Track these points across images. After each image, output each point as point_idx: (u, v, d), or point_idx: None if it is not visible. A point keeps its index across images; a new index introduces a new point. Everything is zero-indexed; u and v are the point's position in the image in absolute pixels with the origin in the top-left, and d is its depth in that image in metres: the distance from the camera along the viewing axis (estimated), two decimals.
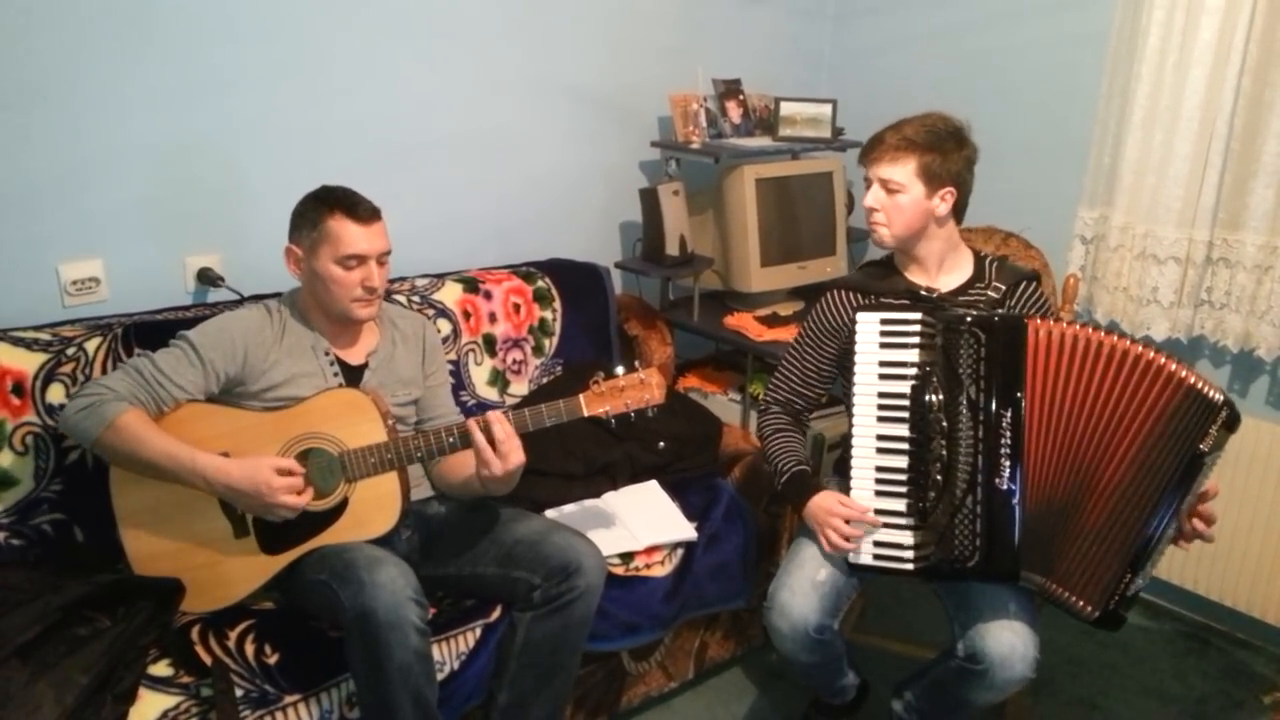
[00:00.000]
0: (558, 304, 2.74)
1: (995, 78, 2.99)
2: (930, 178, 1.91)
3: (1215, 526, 1.80)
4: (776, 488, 2.07)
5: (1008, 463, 1.78)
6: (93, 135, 2.10)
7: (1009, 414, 1.78)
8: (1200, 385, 1.71)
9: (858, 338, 1.90)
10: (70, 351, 1.98)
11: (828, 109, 3.04)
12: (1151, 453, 1.73)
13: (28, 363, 1.93)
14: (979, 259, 2.05)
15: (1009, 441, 1.78)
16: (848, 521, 1.88)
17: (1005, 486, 1.77)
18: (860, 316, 1.91)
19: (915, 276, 2.04)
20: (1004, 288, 1.99)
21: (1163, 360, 1.73)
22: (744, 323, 2.87)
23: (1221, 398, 1.70)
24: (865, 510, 1.87)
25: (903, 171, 1.91)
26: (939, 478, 1.80)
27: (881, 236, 1.99)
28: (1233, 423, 1.71)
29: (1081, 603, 1.78)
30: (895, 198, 1.93)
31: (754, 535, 2.41)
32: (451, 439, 1.87)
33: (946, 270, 2.03)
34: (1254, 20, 2.36)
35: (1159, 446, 1.72)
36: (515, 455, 1.84)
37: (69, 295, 2.14)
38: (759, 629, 2.50)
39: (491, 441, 1.83)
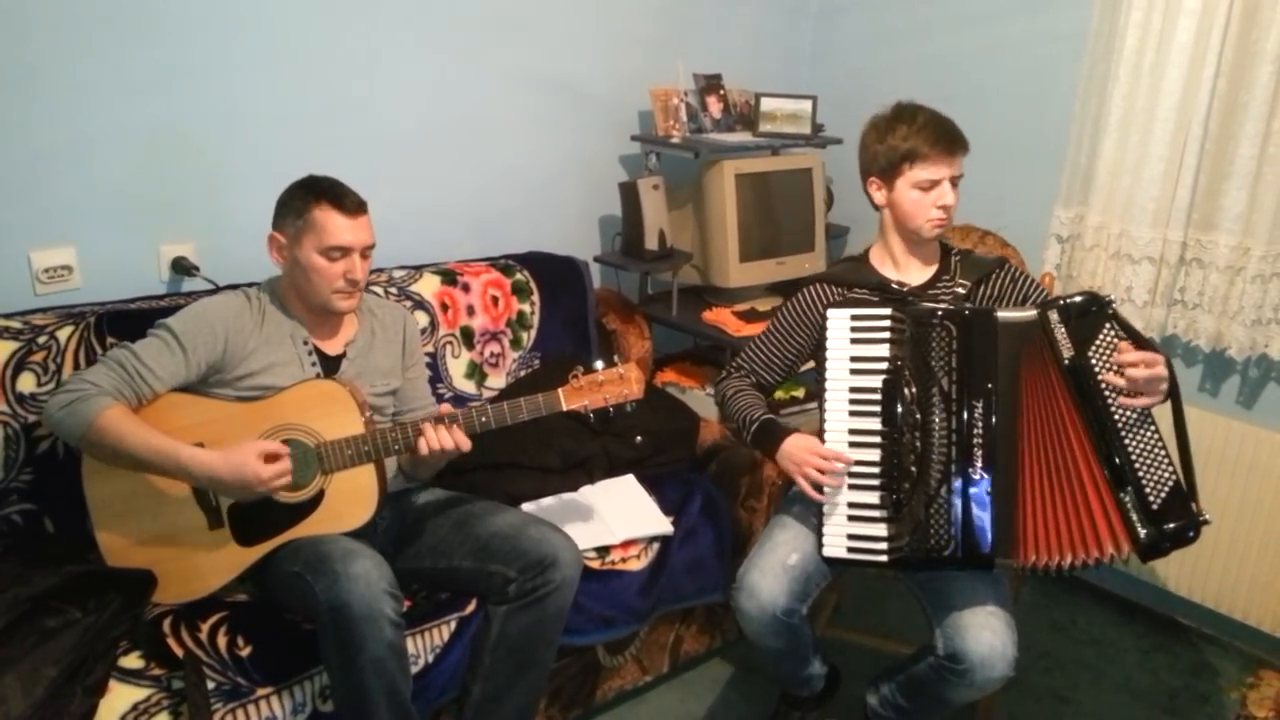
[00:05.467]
0: (536, 297, 2.73)
1: (974, 76, 3.01)
2: None
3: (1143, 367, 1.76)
4: (745, 439, 2.03)
5: (980, 452, 1.80)
6: (66, 121, 2.07)
7: (980, 405, 1.80)
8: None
9: (829, 333, 1.91)
10: (41, 340, 1.95)
11: (808, 105, 3.04)
12: (1039, 399, 1.80)
13: None
14: (945, 252, 2.07)
15: (981, 431, 1.80)
16: (825, 460, 1.87)
17: (978, 476, 1.79)
18: (831, 313, 1.92)
19: (888, 271, 2.05)
20: (969, 284, 2.01)
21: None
22: (722, 318, 2.88)
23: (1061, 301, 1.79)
24: (839, 453, 1.87)
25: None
26: (913, 469, 1.82)
27: (939, 233, 1.99)
28: (1087, 308, 1.79)
29: (1110, 549, 1.75)
30: (957, 189, 1.96)
31: (730, 530, 2.42)
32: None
33: (919, 263, 2.05)
34: (1230, 23, 2.38)
35: (1035, 383, 1.80)
36: (443, 463, 1.95)
37: (40, 283, 2.12)
38: (734, 623, 2.51)
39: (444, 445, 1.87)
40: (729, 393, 2.11)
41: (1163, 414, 1.79)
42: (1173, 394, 1.79)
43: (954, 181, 1.94)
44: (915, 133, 1.92)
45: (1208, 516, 1.74)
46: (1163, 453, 1.76)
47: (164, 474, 1.76)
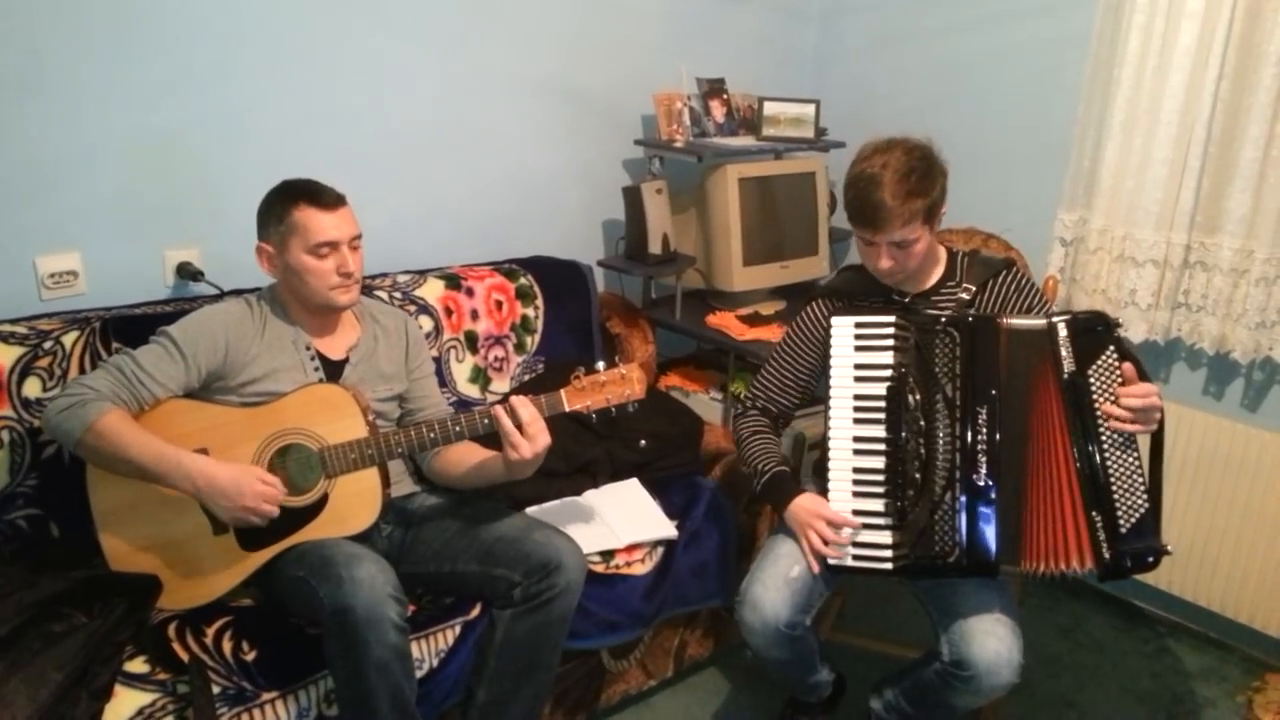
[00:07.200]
0: (540, 301, 2.73)
1: (977, 80, 3.01)
2: (930, 215, 1.88)
3: (1142, 408, 1.77)
4: (755, 489, 2.06)
5: (984, 458, 1.80)
6: (72, 127, 2.08)
7: (984, 411, 1.80)
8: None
9: (833, 342, 1.91)
10: (47, 345, 1.96)
11: (811, 109, 3.05)
12: (1039, 408, 1.81)
13: (3, 356, 1.91)
14: (951, 256, 2.06)
15: (985, 438, 1.80)
16: (832, 526, 1.87)
17: (983, 482, 1.79)
18: (835, 321, 1.92)
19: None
20: (974, 288, 2.00)
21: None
22: (726, 322, 2.88)
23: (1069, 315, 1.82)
24: (849, 518, 1.87)
25: (913, 226, 1.85)
26: (917, 476, 1.82)
27: (901, 281, 1.96)
28: (1094, 325, 1.80)
29: (1075, 564, 1.78)
30: (911, 248, 1.88)
31: (734, 534, 2.42)
32: (435, 433, 1.88)
33: (922, 272, 2.03)
34: (1233, 26, 2.38)
35: (1032, 388, 1.81)
36: (543, 437, 1.88)
37: (46, 288, 2.12)
38: (738, 628, 2.51)
39: (519, 426, 1.85)
40: (745, 434, 2.12)
41: (1141, 440, 1.81)
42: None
43: (899, 244, 1.87)
44: (849, 192, 1.89)
45: (1170, 547, 1.78)
46: (1140, 480, 1.78)
47: (161, 479, 1.75)
